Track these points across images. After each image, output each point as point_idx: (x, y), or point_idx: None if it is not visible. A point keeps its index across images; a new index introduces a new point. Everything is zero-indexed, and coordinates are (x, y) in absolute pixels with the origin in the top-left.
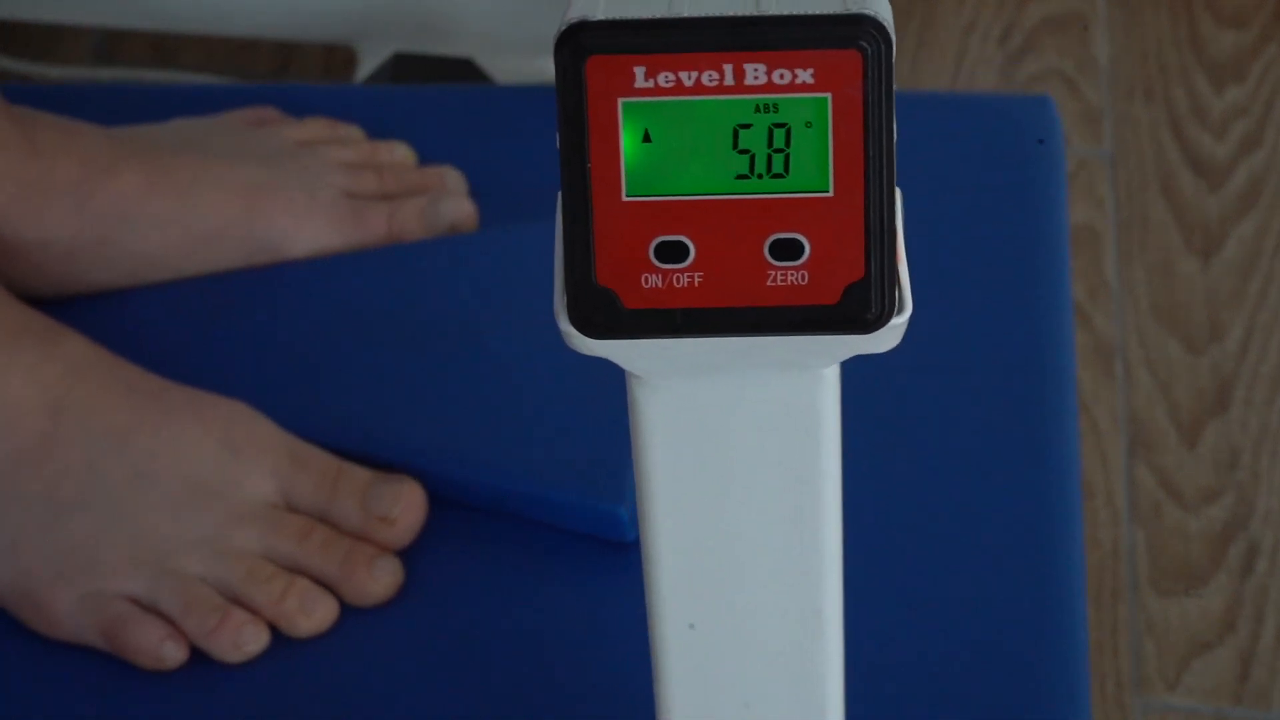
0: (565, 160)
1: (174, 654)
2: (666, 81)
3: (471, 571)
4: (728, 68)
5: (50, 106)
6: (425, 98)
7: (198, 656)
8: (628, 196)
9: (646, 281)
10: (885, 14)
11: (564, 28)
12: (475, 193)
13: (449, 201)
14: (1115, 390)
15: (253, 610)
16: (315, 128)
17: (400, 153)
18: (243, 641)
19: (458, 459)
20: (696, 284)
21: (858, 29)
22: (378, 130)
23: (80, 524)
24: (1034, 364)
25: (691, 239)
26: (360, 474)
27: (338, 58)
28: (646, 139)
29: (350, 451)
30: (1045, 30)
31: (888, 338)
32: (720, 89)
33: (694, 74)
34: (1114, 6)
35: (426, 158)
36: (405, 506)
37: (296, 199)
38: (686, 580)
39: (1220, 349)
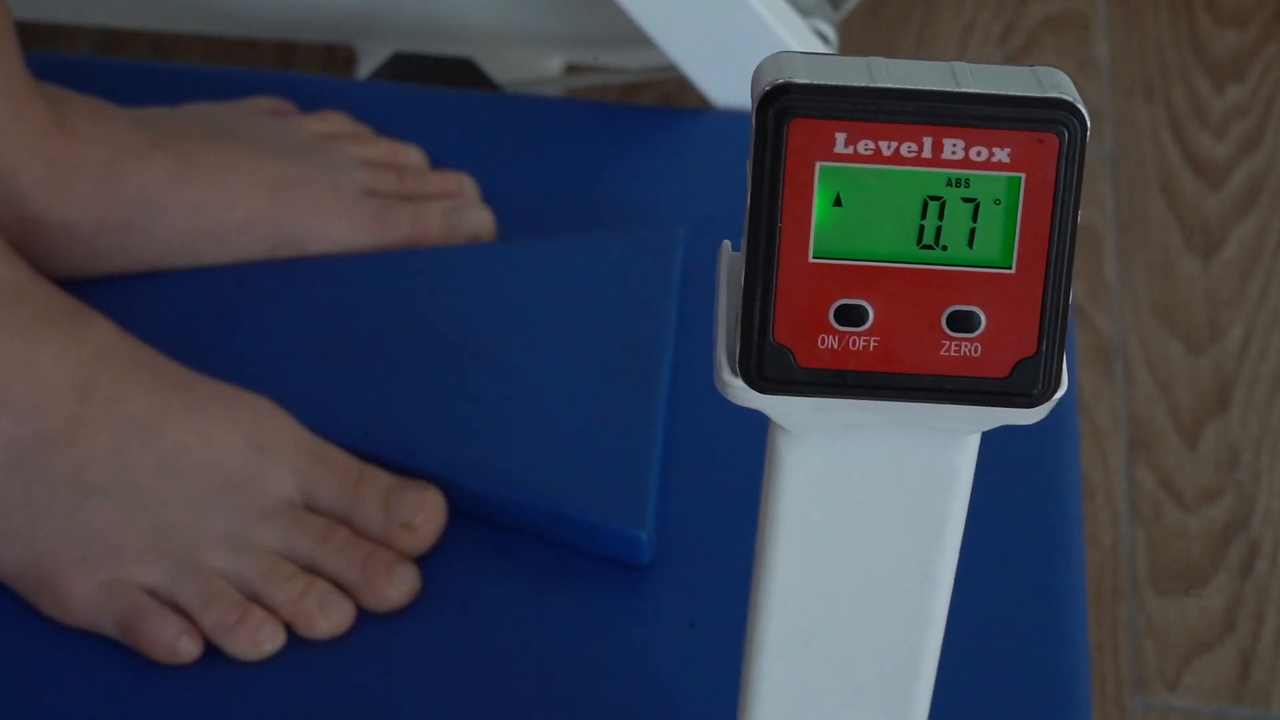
0: (754, 217)
1: (189, 649)
2: (866, 149)
3: (486, 584)
4: (927, 140)
5: (58, 82)
6: (422, 99)
7: (210, 652)
8: (814, 258)
9: (823, 342)
10: (1078, 97)
11: (767, 89)
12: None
13: (471, 210)
14: (1115, 390)
15: (270, 609)
16: (334, 121)
17: (415, 155)
18: (261, 640)
19: (479, 472)
20: (872, 348)
21: (1059, 113)
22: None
23: (103, 510)
24: None
25: (871, 304)
26: (382, 478)
27: (338, 58)
28: (838, 203)
29: (367, 454)
30: (1045, 30)
31: (1041, 412)
32: (917, 160)
33: (894, 144)
34: (1114, 6)
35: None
36: (428, 515)
37: (323, 196)
38: (794, 623)
39: (1220, 349)
